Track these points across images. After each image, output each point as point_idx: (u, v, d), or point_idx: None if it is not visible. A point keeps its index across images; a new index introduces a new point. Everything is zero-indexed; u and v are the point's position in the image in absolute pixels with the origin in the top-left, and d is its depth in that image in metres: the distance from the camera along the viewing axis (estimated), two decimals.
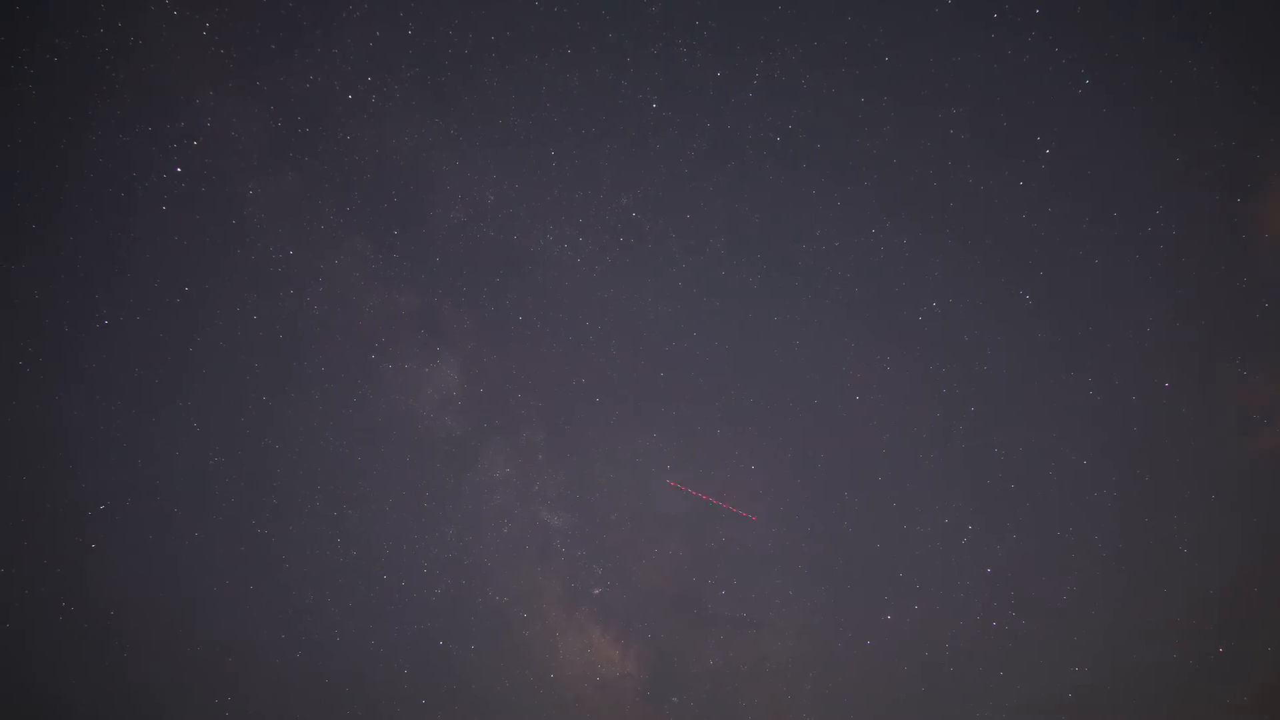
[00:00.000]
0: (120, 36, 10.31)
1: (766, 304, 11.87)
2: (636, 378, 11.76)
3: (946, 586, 11.71)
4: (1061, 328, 11.72)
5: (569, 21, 11.16)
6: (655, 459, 11.82)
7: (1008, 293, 11.70)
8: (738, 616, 11.71)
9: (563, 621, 11.53)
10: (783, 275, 11.90)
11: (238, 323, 10.94)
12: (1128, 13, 10.96)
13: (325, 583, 11.24)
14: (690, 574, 11.83)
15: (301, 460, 11.18)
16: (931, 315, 11.75)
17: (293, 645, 11.02)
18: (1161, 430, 11.68)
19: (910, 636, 11.69)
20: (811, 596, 11.84)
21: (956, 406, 11.80)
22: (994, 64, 11.34)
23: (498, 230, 11.42)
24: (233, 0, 10.57)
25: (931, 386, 11.88)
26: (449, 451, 11.50)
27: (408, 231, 11.26)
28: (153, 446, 10.87)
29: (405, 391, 11.33)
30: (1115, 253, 11.50)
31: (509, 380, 11.59)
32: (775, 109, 11.51)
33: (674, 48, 11.33)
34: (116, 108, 10.53)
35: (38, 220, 10.53)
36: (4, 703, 10.38)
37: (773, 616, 11.79)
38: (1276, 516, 11.68)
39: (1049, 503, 11.81)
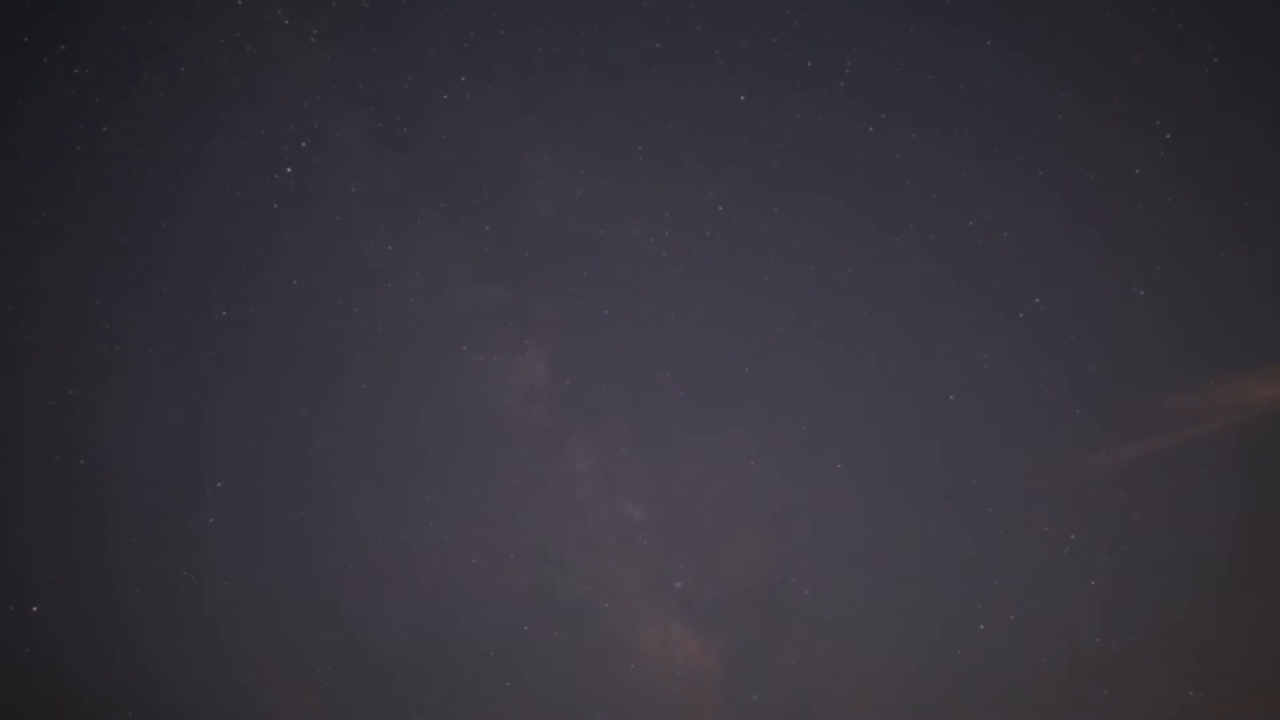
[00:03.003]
0: (238, 45, 11.04)
1: (857, 299, 11.58)
2: (721, 372, 11.71)
3: (1045, 597, 11.12)
4: (1180, 326, 10.93)
5: (657, 16, 11.21)
6: (738, 454, 11.73)
7: (1119, 289, 11.00)
8: (822, 617, 11.48)
9: (643, 613, 11.61)
10: (875, 269, 11.58)
11: (341, 315, 11.53)
12: None
13: (418, 565, 11.72)
14: (773, 572, 11.69)
15: (397, 447, 11.68)
16: (1034, 312, 11.18)
17: (386, 624, 11.54)
18: None
19: (1005, 648, 11.17)
20: (899, 601, 11.47)
21: (1060, 409, 11.18)
22: (1106, 44, 10.67)
23: (585, 225, 11.60)
24: (338, 8, 11.17)
25: (1033, 387, 11.30)
26: (535, 441, 11.76)
27: (498, 227, 11.59)
28: (263, 430, 11.60)
29: (494, 382, 11.66)
30: (1243, 246, 10.63)
31: (594, 373, 11.76)
32: (868, 99, 11.21)
33: (763, 39, 11.20)
34: (234, 113, 11.28)
35: (165, 219, 11.40)
36: (131, 661, 11.31)
37: (858, 619, 11.49)
38: None
39: (1163, 512, 11.03)
